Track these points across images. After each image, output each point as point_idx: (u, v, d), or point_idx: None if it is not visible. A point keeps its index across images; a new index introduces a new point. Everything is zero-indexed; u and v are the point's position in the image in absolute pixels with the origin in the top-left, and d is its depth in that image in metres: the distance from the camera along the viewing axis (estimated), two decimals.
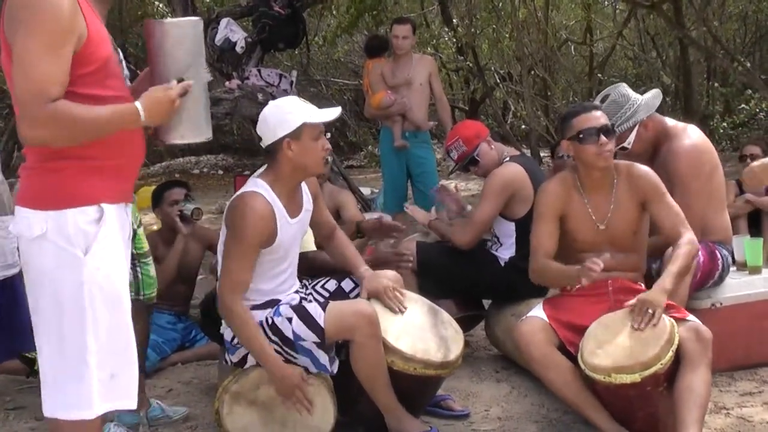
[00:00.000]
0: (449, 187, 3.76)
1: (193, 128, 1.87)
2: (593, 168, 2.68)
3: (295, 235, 2.60)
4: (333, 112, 2.52)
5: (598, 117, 2.67)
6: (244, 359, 2.55)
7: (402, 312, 2.63)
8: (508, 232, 3.29)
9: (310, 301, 2.66)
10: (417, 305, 2.74)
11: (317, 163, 2.52)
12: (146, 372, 3.31)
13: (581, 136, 2.63)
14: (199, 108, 1.87)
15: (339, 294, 2.74)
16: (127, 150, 1.83)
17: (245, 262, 2.42)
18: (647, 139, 3.05)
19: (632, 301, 2.45)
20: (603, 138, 2.63)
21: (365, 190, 8.12)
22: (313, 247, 2.97)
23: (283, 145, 2.46)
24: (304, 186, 2.64)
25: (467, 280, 3.33)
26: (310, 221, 2.70)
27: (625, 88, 3.11)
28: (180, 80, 1.80)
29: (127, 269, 1.88)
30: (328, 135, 2.56)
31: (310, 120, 2.48)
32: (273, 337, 2.49)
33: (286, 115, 2.48)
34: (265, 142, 2.50)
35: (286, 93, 4.86)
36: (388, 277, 2.69)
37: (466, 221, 3.41)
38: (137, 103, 1.76)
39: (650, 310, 2.40)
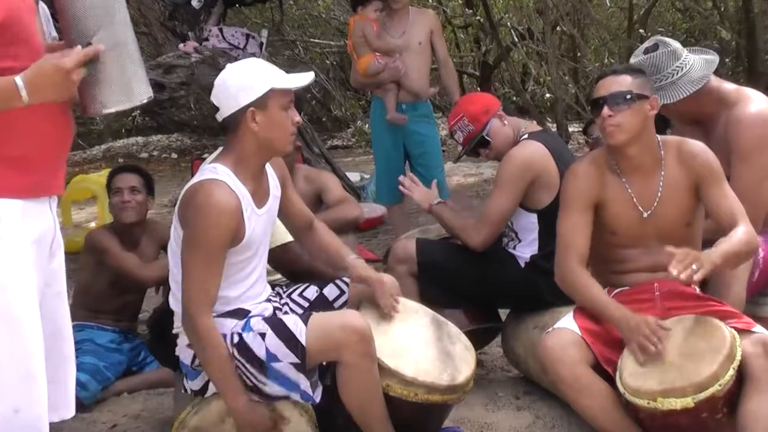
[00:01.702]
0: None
1: (116, 94, 1.91)
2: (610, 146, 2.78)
3: (265, 227, 2.62)
4: (305, 77, 2.52)
5: (612, 83, 2.70)
6: (206, 386, 2.55)
7: (399, 321, 2.66)
8: (528, 225, 3.28)
9: (286, 313, 2.68)
10: (418, 317, 2.77)
11: (285, 139, 2.54)
12: (84, 404, 3.30)
13: (590, 108, 2.72)
14: (122, 71, 1.90)
15: (321, 303, 2.74)
16: (33, 136, 1.84)
17: (212, 268, 2.42)
18: (700, 108, 3.08)
19: (675, 250, 2.40)
20: (605, 109, 2.68)
21: (353, 176, 8.12)
22: (288, 238, 2.98)
23: (247, 117, 2.47)
24: (269, 167, 2.66)
25: (479, 285, 3.32)
26: (279, 212, 2.72)
27: (674, 43, 3.13)
28: (88, 44, 1.84)
29: (38, 277, 1.90)
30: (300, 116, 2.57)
31: (278, 85, 2.49)
32: (238, 357, 2.47)
33: (249, 79, 2.48)
34: (224, 113, 2.50)
35: (254, 57, 4.86)
36: (384, 281, 2.70)
37: (478, 219, 3.38)
38: (17, 78, 1.76)
39: (695, 266, 2.35)
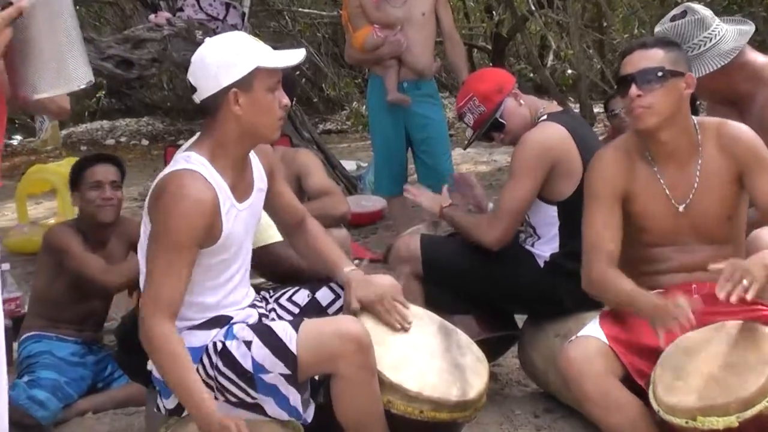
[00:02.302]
0: (470, 177, 3.75)
1: (49, 76, 1.87)
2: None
3: (247, 224, 2.61)
4: (295, 55, 2.53)
5: (641, 58, 2.69)
6: (182, 405, 2.50)
7: (404, 330, 2.65)
8: (548, 219, 3.28)
9: (274, 319, 2.68)
10: (424, 323, 2.77)
11: (272, 125, 2.54)
12: (42, 425, 3.31)
13: (616, 86, 2.70)
14: (57, 48, 1.87)
15: (313, 309, 2.74)
16: None
17: (178, 269, 2.41)
18: (732, 85, 3.08)
19: (719, 265, 2.42)
20: (633, 89, 2.66)
21: (349, 164, 8.12)
22: (277, 237, 2.99)
23: (229, 98, 2.46)
24: (253, 156, 2.66)
25: (493, 287, 3.33)
26: (266, 206, 2.73)
27: (704, 11, 3.13)
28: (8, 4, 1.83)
29: None
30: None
31: (265, 63, 2.48)
32: (223, 369, 2.48)
33: (232, 56, 2.46)
34: (202, 94, 2.49)
35: (235, 29, 4.72)
36: (384, 284, 2.71)
37: (492, 213, 3.42)
38: None
39: (746, 281, 2.34)
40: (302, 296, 2.78)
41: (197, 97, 2.51)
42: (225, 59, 2.46)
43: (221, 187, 2.48)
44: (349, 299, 2.68)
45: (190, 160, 2.48)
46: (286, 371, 2.46)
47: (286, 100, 2.57)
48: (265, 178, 2.70)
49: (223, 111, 2.48)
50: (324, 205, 3.52)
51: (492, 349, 3.40)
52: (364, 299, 2.67)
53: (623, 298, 2.68)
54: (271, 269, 3.02)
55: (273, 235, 2.98)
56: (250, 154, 2.64)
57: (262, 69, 2.47)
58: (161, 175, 2.51)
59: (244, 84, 2.46)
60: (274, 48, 2.57)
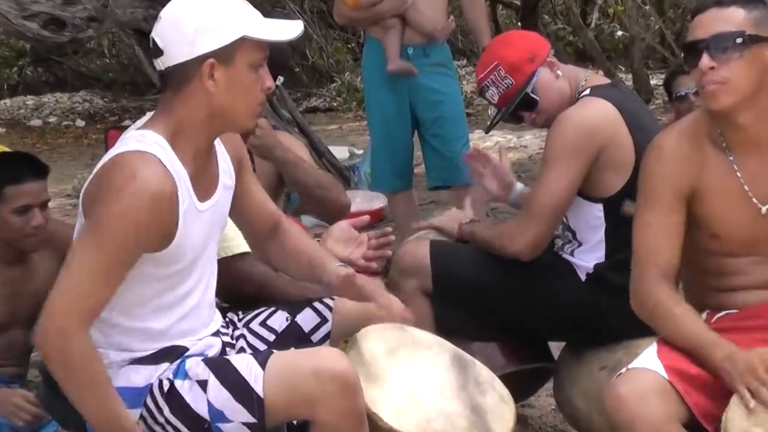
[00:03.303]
0: (488, 152, 3.76)
1: None
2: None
3: (209, 230, 2.62)
4: (291, 28, 2.56)
5: (715, 19, 2.65)
6: None
7: (407, 357, 2.68)
8: (592, 221, 3.29)
9: (241, 351, 2.72)
10: (432, 354, 2.79)
11: (249, 110, 2.57)
12: None
13: (683, 55, 2.73)
14: None
15: (292, 336, 2.79)
16: None
17: (110, 273, 2.40)
18: None
19: None
20: (705, 58, 2.63)
21: (339, 151, 8.11)
22: (243, 247, 3.01)
23: (203, 70, 2.46)
24: (218, 144, 2.67)
25: (522, 307, 3.35)
26: (232, 209, 2.73)
27: None
28: None
29: None
30: (280, 80, 2.59)
31: (254, 34, 2.50)
32: (170, 417, 2.49)
33: (215, 18, 2.47)
34: (170, 59, 2.49)
35: None
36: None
37: (522, 214, 3.43)
38: None
39: None
40: (279, 320, 2.82)
41: (162, 63, 2.51)
42: (206, 21, 2.46)
43: (181, 177, 2.48)
44: (339, 327, 2.75)
45: (144, 139, 2.47)
46: (251, 419, 2.46)
47: (270, 83, 2.60)
48: (232, 173, 2.70)
49: (193, 85, 2.48)
50: (322, 194, 3.62)
51: (521, 387, 3.40)
52: (359, 324, 2.71)
53: (687, 342, 2.64)
54: (234, 290, 2.97)
55: (236, 246, 2.99)
56: (215, 142, 2.67)
57: (249, 40, 2.48)
58: (104, 159, 2.50)
59: (225, 55, 2.46)
60: (266, 16, 2.59)
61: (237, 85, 2.49)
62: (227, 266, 2.91)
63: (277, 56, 2.75)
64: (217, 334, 2.70)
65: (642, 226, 2.77)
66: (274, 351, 2.59)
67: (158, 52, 2.49)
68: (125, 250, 2.41)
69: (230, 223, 2.89)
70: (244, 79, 2.50)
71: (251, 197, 2.82)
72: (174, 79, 2.50)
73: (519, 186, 3.67)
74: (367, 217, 3.44)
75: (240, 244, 3.00)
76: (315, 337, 2.80)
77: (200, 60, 2.45)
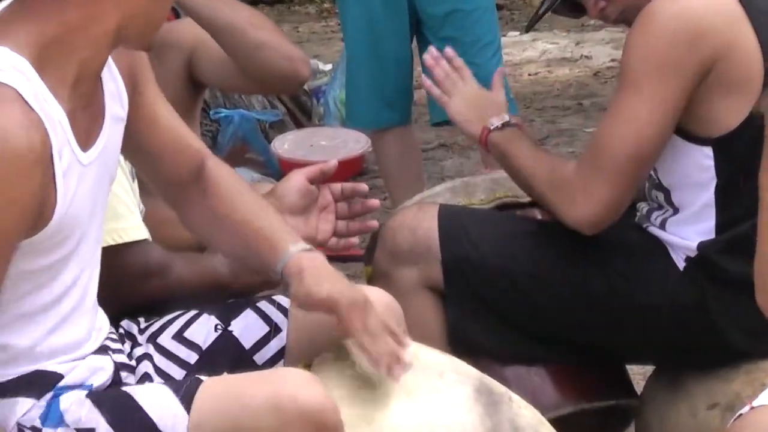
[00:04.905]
0: (455, 59, 3.62)
1: None
2: None
3: (97, 189, 2.52)
4: None
5: None
6: None
7: (408, 387, 2.66)
8: (695, 175, 3.22)
9: (145, 379, 2.66)
10: (448, 382, 2.75)
11: (164, 18, 2.55)
12: None
13: None
14: None
15: (224, 354, 2.76)
16: None
17: None
18: None
19: None
20: None
21: None
22: (140, 231, 2.99)
23: None
24: (110, 64, 2.57)
25: (585, 312, 3.29)
26: (125, 148, 2.65)
27: None
28: None
29: None
30: None
31: None
32: None
33: None
34: None
35: None
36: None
37: (583, 163, 3.28)
38: None
39: None
40: (204, 329, 2.77)
41: None
42: None
43: (55, 119, 2.37)
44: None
45: None
46: None
47: None
48: (124, 96, 2.60)
49: None
50: (266, 56, 3.60)
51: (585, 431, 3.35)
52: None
53: None
54: (123, 297, 2.93)
55: (131, 229, 2.99)
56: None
57: None
58: None
59: None
60: None
61: None
62: (114, 258, 2.88)
63: None
64: (104, 350, 2.62)
65: None
66: (203, 378, 2.49)
67: None
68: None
69: (119, 186, 2.84)
70: None
71: (158, 126, 2.75)
72: None
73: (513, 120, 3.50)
74: (333, 163, 3.23)
75: (136, 226, 3.00)
76: (261, 356, 2.75)
77: None
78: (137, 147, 2.67)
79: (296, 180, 3.10)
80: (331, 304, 2.61)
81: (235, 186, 2.79)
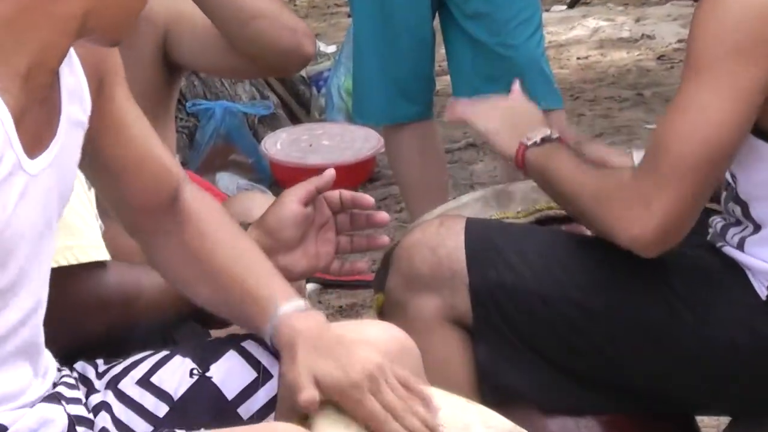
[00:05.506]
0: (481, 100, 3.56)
1: None
2: None
3: (46, 205, 2.52)
4: None
5: None
6: None
7: None
8: None
9: None
10: None
11: (140, 9, 2.51)
12: None
13: None
14: None
15: (201, 405, 2.72)
16: None
17: None
18: None
19: None
20: None
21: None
22: (99, 251, 2.92)
23: None
24: (72, 56, 2.53)
25: (647, 352, 3.22)
26: (91, 162, 2.63)
27: None
28: None
29: None
30: None
31: None
32: None
33: None
34: None
35: None
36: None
37: (642, 168, 3.19)
38: None
39: None
40: (175, 373, 2.68)
41: None
42: None
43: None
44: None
45: None
46: None
47: None
48: (86, 97, 2.54)
49: None
50: (261, 27, 3.59)
51: None
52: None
53: None
54: (77, 330, 2.92)
55: (89, 248, 2.93)
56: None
57: None
58: None
59: None
60: None
61: None
62: (66, 282, 2.85)
63: None
64: (56, 399, 2.58)
65: None
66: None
67: None
68: None
69: (73, 195, 2.69)
70: None
71: (126, 138, 2.71)
72: None
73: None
74: (330, 173, 3.12)
75: (93, 244, 2.95)
76: (246, 409, 2.69)
77: None
78: (98, 162, 2.68)
79: (290, 209, 3.09)
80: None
81: (216, 221, 2.85)
